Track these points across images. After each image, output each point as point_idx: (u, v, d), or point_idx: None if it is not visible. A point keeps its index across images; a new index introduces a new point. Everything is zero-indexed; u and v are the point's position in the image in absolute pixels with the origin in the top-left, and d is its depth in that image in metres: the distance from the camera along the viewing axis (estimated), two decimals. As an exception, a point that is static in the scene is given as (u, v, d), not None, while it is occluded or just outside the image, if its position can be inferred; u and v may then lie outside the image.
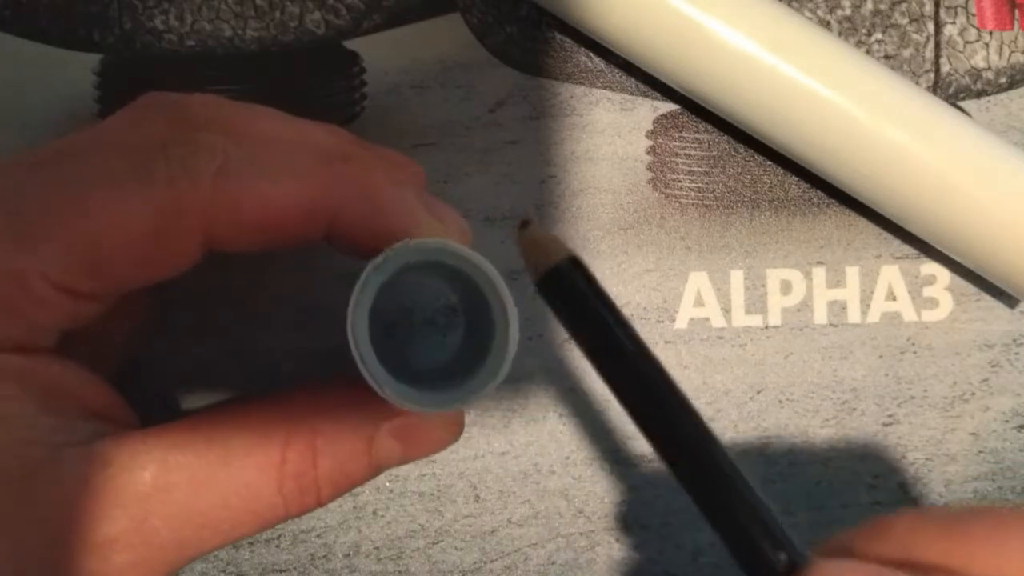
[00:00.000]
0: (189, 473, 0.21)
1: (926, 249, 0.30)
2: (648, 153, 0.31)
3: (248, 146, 0.22)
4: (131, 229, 0.21)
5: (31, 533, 0.20)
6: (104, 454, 0.21)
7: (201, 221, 0.21)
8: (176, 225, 0.21)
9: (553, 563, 0.29)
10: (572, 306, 0.19)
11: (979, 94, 0.31)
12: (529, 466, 0.30)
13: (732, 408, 0.30)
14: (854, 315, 0.30)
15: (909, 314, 0.30)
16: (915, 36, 0.31)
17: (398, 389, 0.21)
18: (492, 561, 0.29)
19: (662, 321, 0.30)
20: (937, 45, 0.31)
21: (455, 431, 0.25)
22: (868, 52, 0.30)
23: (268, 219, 0.22)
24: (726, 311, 0.30)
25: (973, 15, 0.31)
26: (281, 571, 0.29)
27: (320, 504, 0.23)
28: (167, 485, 0.21)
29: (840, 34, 0.31)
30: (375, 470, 0.23)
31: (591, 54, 0.31)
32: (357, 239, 0.22)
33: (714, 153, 0.31)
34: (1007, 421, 0.30)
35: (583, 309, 0.19)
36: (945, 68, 0.31)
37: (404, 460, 0.24)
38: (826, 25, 0.31)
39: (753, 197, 0.31)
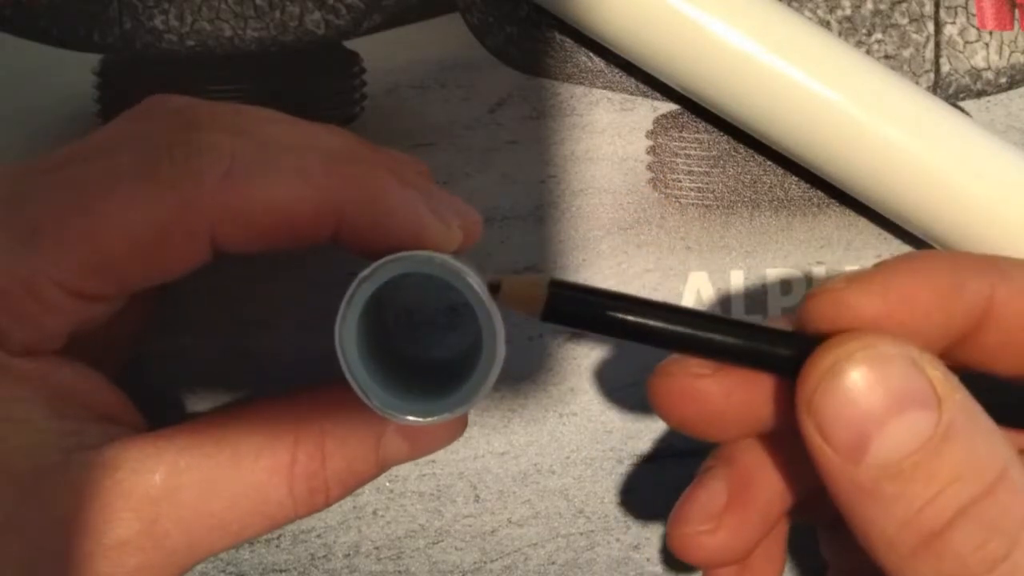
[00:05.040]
0: (199, 475, 0.21)
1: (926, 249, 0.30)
2: (648, 153, 0.31)
3: (254, 147, 0.22)
4: (136, 231, 0.21)
5: (42, 537, 0.20)
6: (114, 458, 0.21)
7: (207, 222, 0.21)
8: (182, 226, 0.21)
9: (553, 563, 0.29)
10: (582, 315, 0.21)
11: (979, 94, 0.31)
12: (529, 466, 0.30)
13: (732, 408, 0.30)
14: (854, 315, 0.30)
15: (909, 314, 0.30)
16: (915, 36, 0.31)
17: (385, 400, 0.21)
18: (492, 561, 0.29)
19: (662, 321, 0.30)
20: (937, 45, 0.31)
21: (460, 427, 0.25)
22: (868, 52, 0.30)
23: (275, 221, 0.22)
24: (726, 311, 0.30)
25: (973, 15, 0.31)
26: (281, 571, 0.29)
27: (328, 504, 0.23)
28: (177, 488, 0.21)
29: (840, 34, 0.31)
30: (382, 468, 0.24)
31: (591, 54, 0.31)
32: (364, 240, 0.22)
33: (714, 153, 0.31)
34: (1007, 421, 0.30)
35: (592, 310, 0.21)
36: (945, 68, 0.31)
37: (410, 458, 0.24)
38: (826, 25, 0.31)
39: (753, 197, 0.31)
